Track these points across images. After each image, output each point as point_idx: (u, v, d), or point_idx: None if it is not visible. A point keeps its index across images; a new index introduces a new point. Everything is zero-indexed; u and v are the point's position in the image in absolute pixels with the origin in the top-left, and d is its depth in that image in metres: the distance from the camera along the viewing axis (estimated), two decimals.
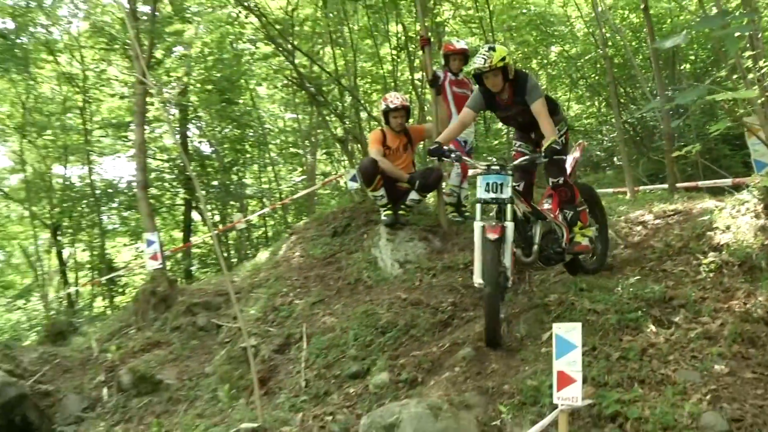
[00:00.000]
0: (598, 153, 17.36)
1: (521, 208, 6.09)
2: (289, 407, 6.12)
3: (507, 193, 5.73)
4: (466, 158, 6.71)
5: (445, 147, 6.17)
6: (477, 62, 5.97)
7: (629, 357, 4.98)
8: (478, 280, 5.62)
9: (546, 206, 6.58)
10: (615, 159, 16.36)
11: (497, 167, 5.82)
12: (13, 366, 8.74)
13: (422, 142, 9.41)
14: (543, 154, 5.81)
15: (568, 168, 6.47)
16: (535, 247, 6.14)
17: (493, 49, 5.98)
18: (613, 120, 15.19)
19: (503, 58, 5.89)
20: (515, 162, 6.09)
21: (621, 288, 5.84)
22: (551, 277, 6.97)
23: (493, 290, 5.45)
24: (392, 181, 8.44)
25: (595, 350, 5.15)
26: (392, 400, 5.45)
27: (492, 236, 5.50)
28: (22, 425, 8.10)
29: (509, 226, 5.64)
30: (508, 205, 5.73)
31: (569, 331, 4.35)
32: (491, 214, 5.95)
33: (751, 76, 6.05)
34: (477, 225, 5.73)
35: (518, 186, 6.24)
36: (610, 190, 11.10)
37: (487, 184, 5.77)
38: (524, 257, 6.15)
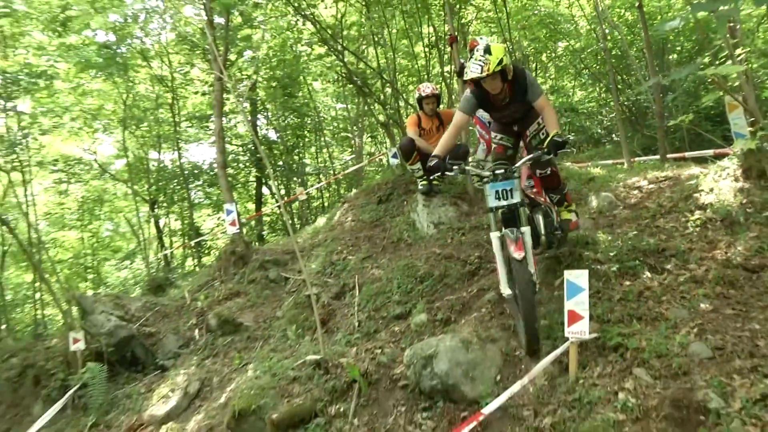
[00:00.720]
0: (599, 131, 17.09)
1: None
2: (345, 343, 6.21)
3: (517, 197, 4.87)
4: (469, 167, 5.16)
5: (445, 159, 4.97)
6: (474, 70, 4.91)
7: (628, 298, 4.93)
8: (505, 290, 4.84)
9: (531, 189, 5.78)
10: (613, 135, 16.04)
11: (502, 171, 4.93)
12: (123, 313, 9.00)
13: None
14: (547, 150, 4.82)
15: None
16: (542, 238, 5.40)
17: (488, 51, 4.88)
18: (611, 103, 14.86)
19: (500, 62, 4.85)
20: (519, 162, 5.07)
21: (621, 241, 5.76)
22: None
23: (530, 303, 4.60)
24: (427, 157, 8.41)
25: (599, 293, 5.11)
26: (430, 336, 5.49)
27: (518, 255, 4.63)
28: (132, 359, 8.42)
29: (526, 231, 4.81)
30: (521, 209, 4.89)
31: (578, 277, 4.33)
32: (500, 215, 4.99)
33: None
34: (494, 236, 4.92)
35: None
36: (610, 161, 10.88)
37: (497, 192, 4.90)
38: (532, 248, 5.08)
